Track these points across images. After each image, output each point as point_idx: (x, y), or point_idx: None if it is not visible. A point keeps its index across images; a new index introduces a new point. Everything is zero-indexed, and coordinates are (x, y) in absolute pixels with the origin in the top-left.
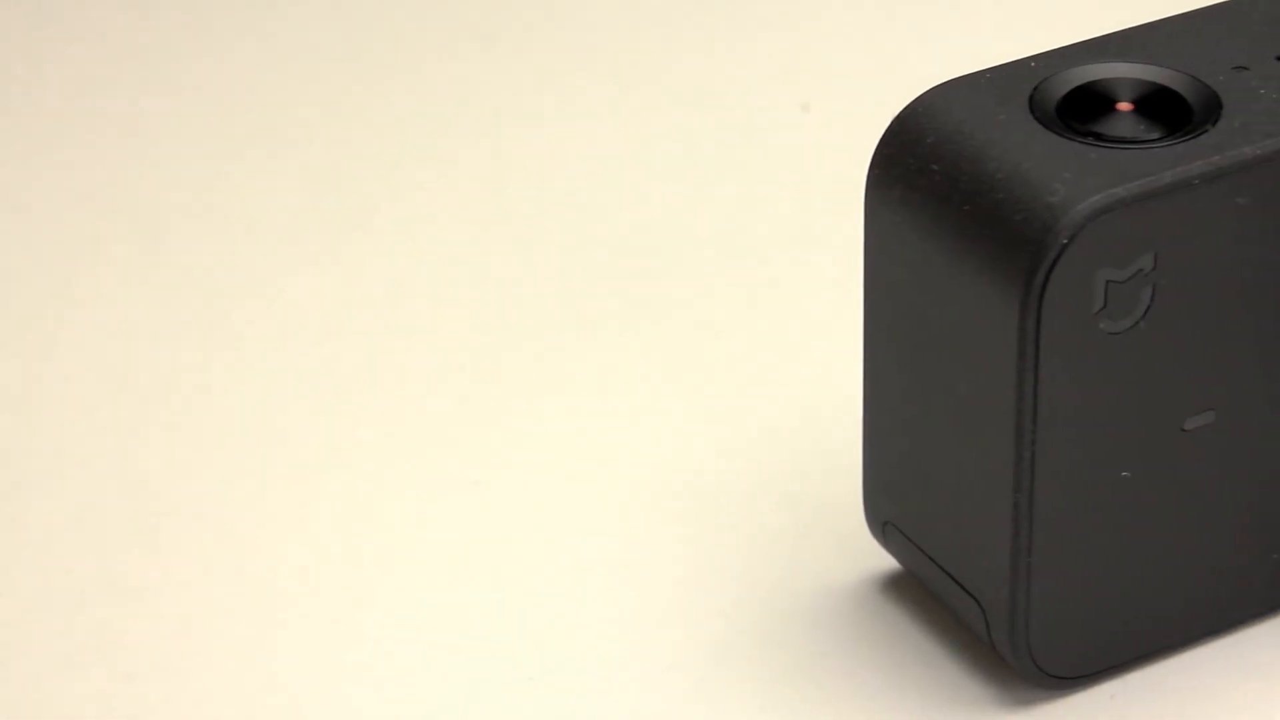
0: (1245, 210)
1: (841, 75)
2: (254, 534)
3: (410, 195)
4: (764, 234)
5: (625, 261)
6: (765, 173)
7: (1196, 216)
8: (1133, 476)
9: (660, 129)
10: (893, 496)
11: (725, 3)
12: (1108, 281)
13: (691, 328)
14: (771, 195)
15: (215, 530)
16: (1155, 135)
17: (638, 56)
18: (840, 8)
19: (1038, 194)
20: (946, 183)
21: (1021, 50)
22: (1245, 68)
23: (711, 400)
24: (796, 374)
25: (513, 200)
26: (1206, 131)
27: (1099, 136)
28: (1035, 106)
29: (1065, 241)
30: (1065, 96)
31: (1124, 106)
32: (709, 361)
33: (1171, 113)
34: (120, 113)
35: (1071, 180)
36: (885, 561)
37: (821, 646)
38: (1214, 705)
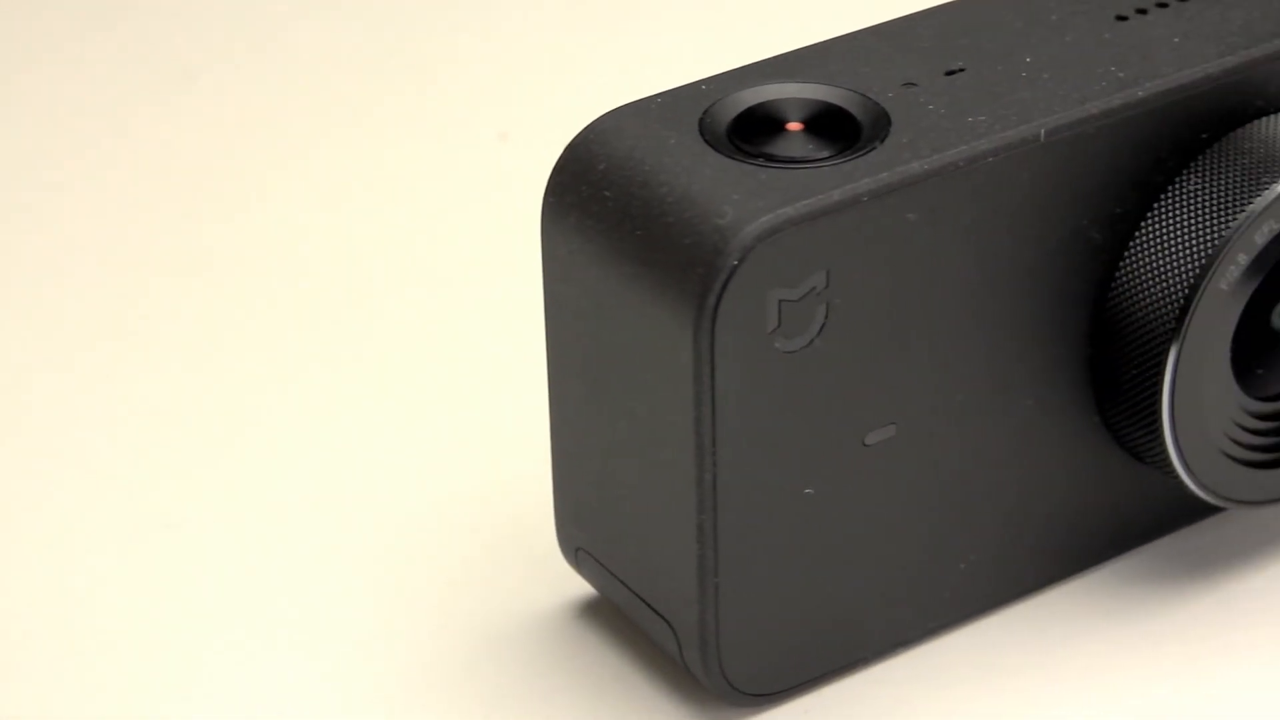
0: (915, 225)
1: (540, 104)
2: None
3: (108, 230)
4: (457, 261)
5: (319, 290)
6: (461, 201)
7: (867, 233)
8: (816, 493)
9: (359, 157)
10: (583, 522)
11: (424, 32)
12: (780, 301)
13: (384, 356)
14: (467, 223)
15: None
16: (825, 154)
17: (338, 88)
18: (539, 37)
19: (707, 216)
20: (619, 209)
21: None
22: (914, 84)
23: (404, 429)
24: (489, 401)
25: (209, 235)
26: (875, 148)
27: (769, 157)
28: (705, 129)
29: (735, 263)
30: (736, 118)
31: (794, 126)
32: (400, 390)
33: (841, 131)
34: None
35: (741, 202)
36: (580, 586)
37: (518, 673)
38: (909, 715)
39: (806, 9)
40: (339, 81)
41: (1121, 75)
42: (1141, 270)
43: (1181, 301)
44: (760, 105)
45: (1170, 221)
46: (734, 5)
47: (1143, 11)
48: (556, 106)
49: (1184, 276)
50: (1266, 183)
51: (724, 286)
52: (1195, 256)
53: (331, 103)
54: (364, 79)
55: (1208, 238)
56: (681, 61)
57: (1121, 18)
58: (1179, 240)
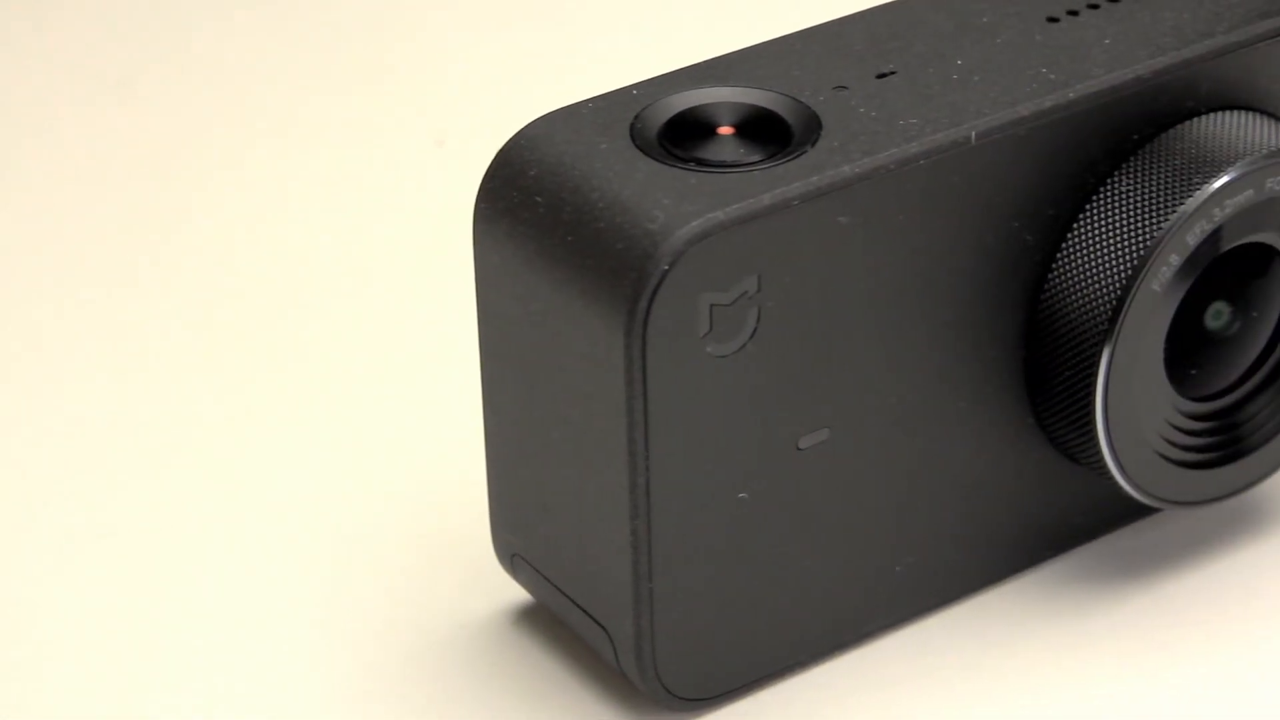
0: (847, 229)
1: (477, 109)
2: None
3: (31, 240)
4: (393, 268)
5: (254, 297)
6: (398, 207)
7: (798, 237)
8: (751, 498)
9: (295, 163)
10: (518, 529)
11: (362, 37)
12: (712, 305)
13: (320, 363)
14: (403, 230)
15: None
16: (756, 158)
17: (276, 94)
18: (476, 43)
19: (638, 221)
20: (550, 214)
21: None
22: (845, 87)
23: (338, 436)
24: (425, 408)
25: (146, 243)
26: (806, 152)
27: (700, 161)
28: (637, 134)
29: (666, 267)
30: (667, 123)
31: (725, 130)
32: (336, 397)
33: (772, 135)
34: None
35: (671, 206)
36: (516, 593)
37: (455, 681)
38: (847, 719)
39: (737, 13)
40: (277, 88)
41: (1052, 77)
42: (1074, 271)
43: (1114, 302)
44: (691, 110)
45: (1102, 223)
46: (666, 9)
47: (1074, 13)
48: (493, 112)
49: (1117, 277)
50: (1198, 183)
51: (655, 291)
52: (1128, 257)
53: (269, 109)
54: (301, 85)
55: (1140, 239)
56: (615, 66)
57: (1052, 19)
58: (1111, 241)
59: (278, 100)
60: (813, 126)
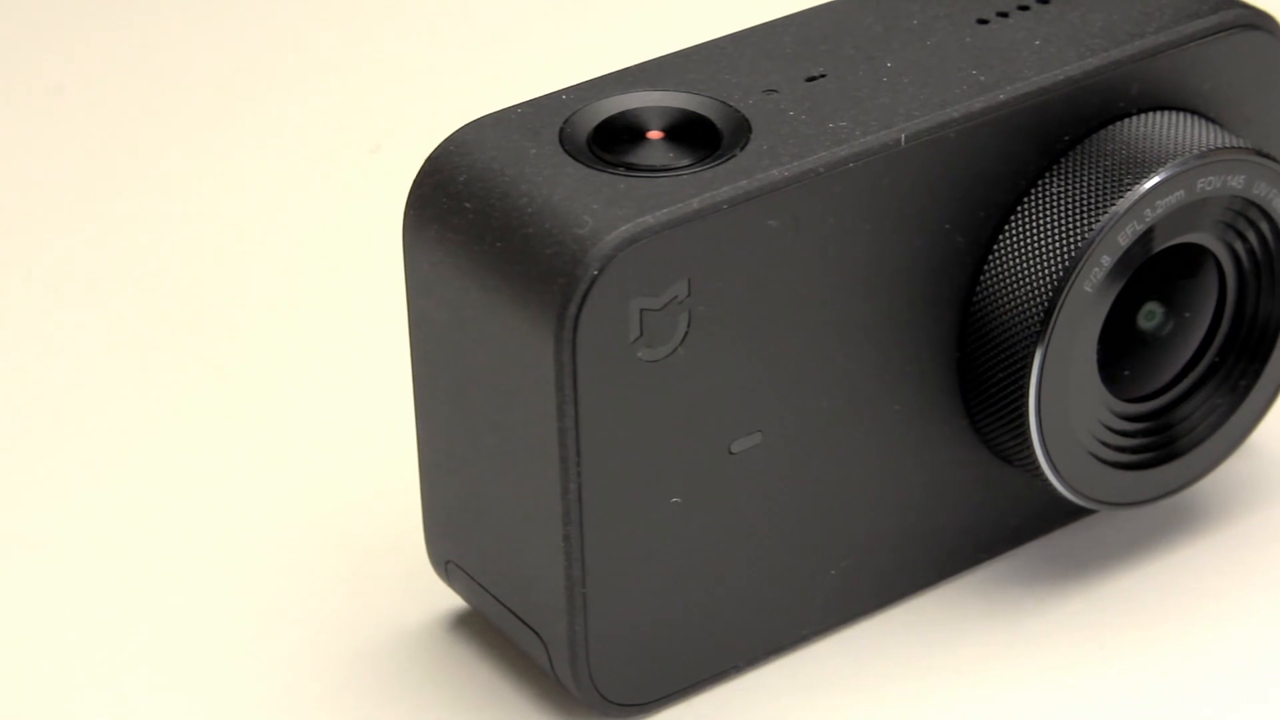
0: (776, 232)
1: (413, 116)
2: None
3: None
4: (328, 275)
5: (189, 303)
6: (334, 214)
7: (728, 241)
8: (683, 502)
9: (231, 170)
10: (452, 535)
11: (300, 43)
12: (642, 310)
13: (251, 370)
14: (338, 237)
15: None
16: (685, 162)
17: (212, 100)
18: (410, 49)
19: (567, 227)
20: (480, 220)
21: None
22: (775, 90)
23: (271, 444)
24: (358, 415)
25: (71, 250)
26: (735, 156)
27: (630, 166)
28: (566, 139)
29: (595, 273)
30: (596, 128)
31: (655, 135)
32: (266, 404)
33: (702, 139)
34: None
35: (600, 211)
36: (451, 600)
37: (389, 688)
38: None
39: (667, 17)
40: (212, 94)
41: (982, 79)
42: (1006, 273)
43: (1046, 304)
44: (620, 114)
45: (1034, 224)
46: (595, 13)
47: (1004, 15)
48: (429, 118)
49: (1048, 278)
50: (1129, 184)
51: (584, 297)
52: (1059, 258)
53: (204, 115)
54: (236, 91)
55: (1071, 239)
56: (545, 70)
57: (982, 21)
58: (1043, 242)
59: (213, 106)
60: (742, 130)
